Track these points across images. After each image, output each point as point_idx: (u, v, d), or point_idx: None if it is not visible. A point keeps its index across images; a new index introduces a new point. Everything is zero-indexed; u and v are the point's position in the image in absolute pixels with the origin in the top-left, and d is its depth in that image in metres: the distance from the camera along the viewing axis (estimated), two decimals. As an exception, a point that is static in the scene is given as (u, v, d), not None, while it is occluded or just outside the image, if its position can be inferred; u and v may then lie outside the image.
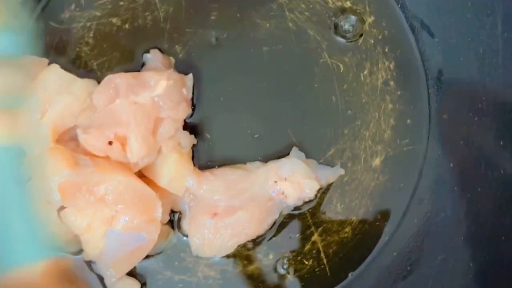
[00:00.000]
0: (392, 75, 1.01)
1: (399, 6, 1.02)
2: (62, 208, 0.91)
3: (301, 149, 1.00)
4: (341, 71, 1.01)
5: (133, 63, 0.99)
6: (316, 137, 1.01)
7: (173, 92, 0.95)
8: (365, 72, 1.01)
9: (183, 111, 0.96)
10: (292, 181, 0.95)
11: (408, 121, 1.01)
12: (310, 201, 0.99)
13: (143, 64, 1.00)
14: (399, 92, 1.01)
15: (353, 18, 1.01)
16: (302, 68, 1.02)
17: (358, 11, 1.02)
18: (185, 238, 0.99)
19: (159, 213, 0.92)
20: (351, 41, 1.02)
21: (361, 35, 1.02)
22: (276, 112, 1.01)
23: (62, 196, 0.87)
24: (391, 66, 1.01)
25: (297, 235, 1.00)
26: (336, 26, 1.02)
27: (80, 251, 0.96)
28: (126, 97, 0.93)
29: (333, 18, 1.02)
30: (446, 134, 1.00)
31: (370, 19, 1.02)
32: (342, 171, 0.99)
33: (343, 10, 1.02)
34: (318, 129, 1.01)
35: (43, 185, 0.89)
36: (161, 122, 0.95)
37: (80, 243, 0.94)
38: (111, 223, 0.91)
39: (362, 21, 1.01)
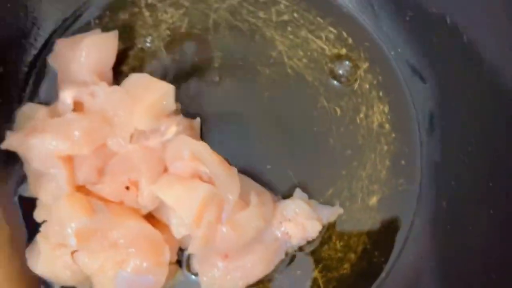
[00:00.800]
0: (386, 118, 1.06)
1: (392, 53, 1.08)
2: (75, 250, 0.95)
3: (301, 189, 1.04)
4: (338, 114, 1.06)
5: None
6: (315, 178, 1.06)
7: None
8: (361, 115, 1.06)
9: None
10: (296, 222, 0.99)
11: (403, 162, 1.06)
12: (313, 240, 1.03)
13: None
14: (393, 135, 1.06)
15: (348, 64, 1.07)
16: (301, 112, 1.07)
17: (353, 57, 1.07)
18: (193, 277, 1.02)
19: (167, 257, 0.96)
20: (347, 86, 1.06)
21: (356, 80, 1.07)
22: (276, 154, 1.06)
23: (78, 241, 0.91)
24: (386, 109, 1.06)
25: (298, 271, 1.03)
26: (333, 72, 1.06)
27: (92, 291, 0.99)
28: (137, 141, 0.97)
29: (330, 65, 1.07)
30: (439, 175, 1.04)
31: (365, 65, 1.07)
32: (341, 211, 1.04)
33: (339, 57, 1.07)
34: (317, 170, 1.06)
35: (59, 229, 0.92)
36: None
37: (91, 284, 0.98)
38: (121, 265, 0.94)
39: (357, 67, 1.07)
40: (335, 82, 1.07)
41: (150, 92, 0.99)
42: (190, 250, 0.95)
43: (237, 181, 0.97)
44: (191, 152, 0.95)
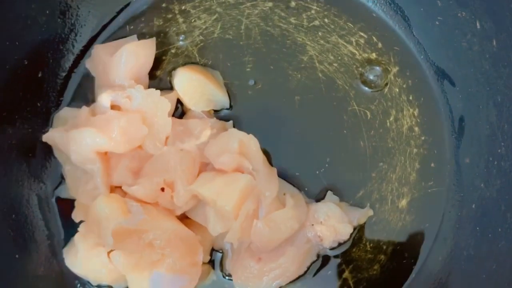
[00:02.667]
0: (416, 121, 1.08)
1: (421, 57, 1.09)
2: (111, 250, 0.98)
3: (331, 191, 1.06)
4: (368, 118, 1.08)
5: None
6: (346, 180, 1.08)
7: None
8: (391, 118, 1.08)
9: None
10: (328, 224, 1.01)
11: (432, 164, 1.08)
12: (344, 242, 1.05)
13: (182, 112, 1.06)
14: (423, 137, 1.08)
15: (378, 68, 1.08)
16: (332, 115, 1.09)
17: (383, 62, 1.08)
18: (226, 278, 1.04)
19: (201, 257, 0.99)
20: (377, 90, 1.08)
21: (387, 84, 1.08)
22: (308, 157, 1.08)
23: (115, 241, 0.93)
24: (415, 113, 1.08)
25: (329, 272, 1.05)
26: (363, 76, 1.08)
27: (126, 289, 1.01)
28: (173, 143, 0.99)
29: (360, 69, 1.09)
30: (468, 177, 1.06)
31: (395, 69, 1.09)
32: (371, 212, 1.06)
33: (370, 61, 1.09)
34: (347, 173, 1.08)
35: (97, 229, 0.95)
36: (205, 167, 1.01)
37: (126, 282, 1.00)
38: (156, 265, 0.97)
39: (387, 71, 1.08)
40: (365, 86, 1.08)
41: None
42: (227, 239, 0.97)
43: (276, 180, 1.00)
44: (240, 144, 0.98)
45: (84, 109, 1.00)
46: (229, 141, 0.99)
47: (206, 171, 1.00)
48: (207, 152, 0.98)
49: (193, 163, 0.98)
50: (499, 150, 0.98)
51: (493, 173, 1.00)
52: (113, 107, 1.00)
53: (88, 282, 1.03)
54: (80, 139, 0.95)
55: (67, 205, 1.05)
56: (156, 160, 0.98)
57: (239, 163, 0.97)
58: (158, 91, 0.98)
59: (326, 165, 1.07)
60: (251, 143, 0.99)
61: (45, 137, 0.99)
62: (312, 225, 1.01)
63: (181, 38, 1.09)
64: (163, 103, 0.98)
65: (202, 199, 0.97)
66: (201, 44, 1.09)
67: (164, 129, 0.98)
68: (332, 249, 1.04)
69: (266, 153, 1.05)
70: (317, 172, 1.07)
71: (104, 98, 0.99)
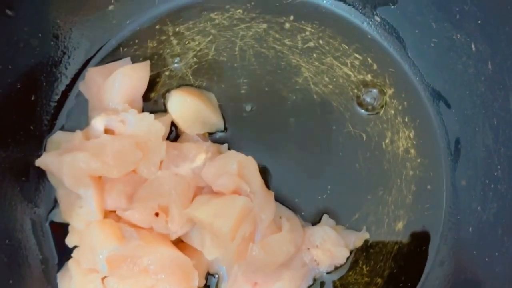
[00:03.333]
0: (412, 143, 1.07)
1: (417, 78, 1.09)
2: (105, 275, 0.96)
3: (327, 214, 1.05)
4: (364, 140, 1.07)
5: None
6: (341, 203, 1.07)
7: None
8: (387, 140, 1.07)
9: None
10: (324, 248, 1.01)
11: (428, 186, 1.07)
12: (341, 266, 1.04)
13: (176, 135, 1.05)
14: (419, 160, 1.07)
15: (374, 90, 1.08)
16: (327, 137, 1.08)
17: (378, 83, 1.08)
18: (223, 301, 1.03)
19: (196, 282, 0.98)
20: (372, 112, 1.07)
21: (382, 106, 1.07)
22: (303, 180, 1.08)
23: (109, 267, 0.93)
24: (411, 135, 1.07)
25: (326, 296, 1.04)
26: (358, 98, 1.08)
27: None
28: (167, 168, 0.98)
29: (355, 91, 1.08)
30: (465, 200, 1.05)
31: (390, 91, 1.08)
32: (367, 235, 1.05)
33: (365, 83, 1.08)
34: (343, 195, 1.07)
35: (91, 255, 0.94)
36: (201, 191, 1.00)
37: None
38: (150, 291, 0.95)
39: (382, 92, 1.08)
40: (360, 108, 1.07)
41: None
42: (223, 262, 0.98)
43: (273, 203, 1.00)
44: (238, 166, 0.98)
45: (78, 133, 1.00)
46: (227, 162, 0.98)
47: (201, 195, 0.99)
48: (204, 174, 0.97)
49: (187, 188, 0.98)
50: (495, 173, 0.98)
51: (490, 196, 0.99)
52: (106, 131, 1.00)
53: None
54: (74, 163, 0.95)
55: (61, 230, 1.04)
56: (151, 184, 0.97)
57: (237, 185, 0.97)
58: (152, 115, 0.97)
59: (322, 188, 1.07)
60: (250, 165, 1.00)
61: (38, 162, 0.98)
62: (308, 249, 1.00)
63: (175, 60, 1.08)
64: (157, 127, 0.98)
65: (198, 223, 0.96)
66: (195, 66, 1.08)
67: (158, 153, 0.97)
68: (328, 273, 1.03)
69: (262, 176, 1.03)
70: (313, 195, 1.06)
71: (97, 122, 0.98)
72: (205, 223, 0.95)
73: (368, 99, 1.07)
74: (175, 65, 1.08)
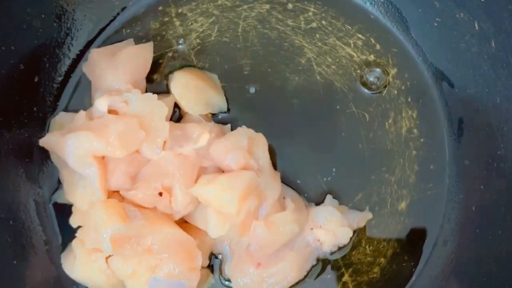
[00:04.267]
0: (415, 123, 1.07)
1: (420, 58, 1.08)
2: (109, 255, 0.97)
3: (330, 194, 1.06)
4: (367, 120, 1.07)
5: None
6: (344, 183, 1.07)
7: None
8: (390, 121, 1.07)
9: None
10: (327, 228, 1.01)
11: (431, 166, 1.07)
12: (344, 246, 1.04)
13: (180, 116, 1.05)
14: (422, 139, 1.07)
15: (377, 70, 1.08)
16: (330, 118, 1.08)
17: (381, 63, 1.08)
18: (226, 282, 1.04)
19: (200, 262, 0.98)
20: (375, 92, 1.07)
21: (385, 86, 1.07)
22: (306, 160, 1.07)
23: (113, 247, 0.93)
24: (414, 115, 1.07)
25: (329, 276, 1.05)
26: (361, 78, 1.07)
27: (125, 295, 1.01)
28: (171, 148, 0.98)
29: (358, 71, 1.08)
30: (468, 179, 1.05)
31: (393, 71, 1.08)
32: (370, 215, 1.05)
33: (368, 63, 1.08)
34: (346, 176, 1.07)
35: (95, 235, 0.94)
36: (204, 171, 1.00)
37: (125, 287, 0.99)
38: (154, 270, 0.96)
39: (386, 73, 1.08)
40: (363, 88, 1.07)
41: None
42: (228, 236, 0.98)
43: (279, 183, 1.01)
44: (249, 142, 0.99)
45: (81, 113, 1.00)
46: (238, 138, 0.99)
47: (206, 174, 0.99)
48: (213, 151, 0.98)
49: (191, 168, 0.98)
50: (498, 152, 0.98)
51: (493, 175, 0.99)
52: (110, 111, 0.99)
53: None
54: (77, 143, 0.95)
55: (64, 210, 1.04)
56: (154, 164, 0.97)
57: (247, 161, 0.98)
58: (155, 95, 0.97)
59: (325, 169, 1.07)
60: (260, 141, 1.01)
61: (42, 142, 0.99)
62: (312, 229, 1.00)
63: (178, 41, 1.07)
64: (160, 107, 0.97)
65: (203, 201, 0.97)
66: (198, 47, 1.08)
67: (162, 134, 0.97)
68: (331, 253, 1.03)
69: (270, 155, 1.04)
70: (316, 175, 1.06)
71: (101, 103, 0.98)
72: (211, 199, 0.95)
73: (371, 79, 1.06)
74: (178, 46, 1.08)
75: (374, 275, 1.04)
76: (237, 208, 0.94)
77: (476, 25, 0.97)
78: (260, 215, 0.97)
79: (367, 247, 1.05)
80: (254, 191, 0.96)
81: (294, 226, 0.97)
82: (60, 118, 1.04)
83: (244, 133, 1.00)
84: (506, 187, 0.97)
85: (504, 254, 0.95)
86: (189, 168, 0.97)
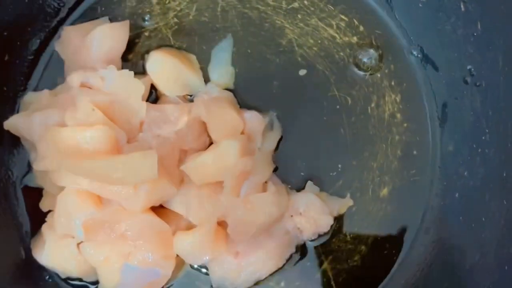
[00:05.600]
0: (398, 107, 1.05)
1: (404, 40, 1.06)
2: (81, 241, 0.94)
3: (310, 180, 1.03)
4: (349, 104, 1.04)
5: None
6: (325, 169, 1.05)
7: (194, 125, 0.98)
8: (372, 105, 1.05)
9: (205, 142, 1.00)
10: (307, 216, 0.98)
11: (415, 152, 1.05)
12: (325, 234, 1.02)
13: (156, 98, 1.02)
14: (405, 124, 1.04)
15: (360, 52, 1.04)
16: (311, 101, 1.06)
17: (364, 46, 1.04)
18: (203, 269, 1.02)
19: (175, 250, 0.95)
20: (358, 75, 1.04)
21: (368, 69, 1.04)
22: (285, 144, 1.05)
23: (85, 233, 0.90)
24: (397, 99, 1.05)
25: (308, 263, 1.02)
26: (343, 61, 1.04)
27: (96, 282, 0.99)
28: (149, 130, 0.95)
29: (341, 53, 1.05)
30: (451, 165, 1.03)
31: (376, 54, 1.05)
32: (351, 202, 1.03)
33: (350, 45, 1.05)
34: (327, 161, 1.05)
35: (66, 220, 0.91)
36: (185, 154, 0.98)
37: (96, 275, 0.97)
38: (127, 257, 0.94)
39: (368, 55, 1.04)
40: (345, 70, 1.04)
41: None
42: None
43: (270, 166, 1.00)
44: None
45: (45, 91, 0.98)
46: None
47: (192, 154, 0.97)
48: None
49: (172, 150, 0.94)
50: (483, 137, 0.96)
51: (477, 161, 0.97)
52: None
53: (57, 274, 0.98)
54: (44, 122, 0.92)
55: (35, 194, 1.01)
56: (132, 148, 0.93)
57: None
58: (132, 72, 0.95)
59: (306, 153, 1.04)
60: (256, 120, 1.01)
61: (7, 124, 0.95)
62: (292, 216, 0.98)
63: (155, 20, 1.04)
64: (137, 86, 0.94)
65: (196, 174, 0.95)
66: (176, 26, 1.05)
67: (138, 113, 0.93)
68: (311, 240, 1.00)
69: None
70: (296, 160, 1.04)
71: (74, 78, 0.95)
72: (209, 163, 0.94)
73: (352, 61, 1.03)
74: (155, 25, 1.04)
75: (355, 263, 1.02)
76: (239, 156, 0.93)
77: (462, 6, 0.95)
78: (242, 192, 0.94)
79: (347, 234, 1.03)
80: (247, 152, 0.95)
81: (274, 209, 0.94)
82: (29, 98, 1.01)
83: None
84: (490, 173, 0.95)
85: (488, 242, 0.93)
86: (169, 149, 0.94)
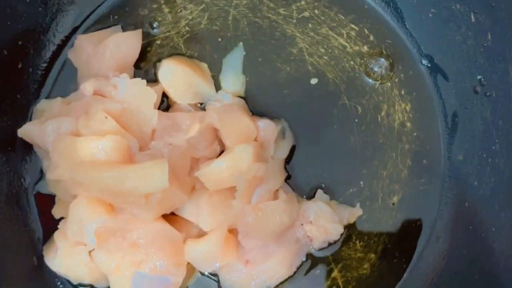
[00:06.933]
0: (408, 116, 1.05)
1: (414, 50, 1.06)
2: (93, 248, 0.94)
3: (321, 188, 1.04)
4: (359, 112, 1.05)
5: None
6: (335, 177, 1.05)
7: (205, 133, 0.98)
8: (382, 113, 1.05)
9: (216, 150, 1.00)
10: (317, 224, 0.99)
11: (424, 161, 1.05)
12: (334, 242, 1.02)
13: (168, 106, 1.02)
14: (415, 133, 1.05)
15: (370, 62, 1.04)
16: (322, 110, 1.06)
17: (375, 55, 1.05)
18: (212, 277, 1.02)
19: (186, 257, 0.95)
20: (368, 84, 1.04)
21: (378, 78, 1.04)
22: (297, 152, 1.05)
23: (97, 240, 0.91)
24: (408, 108, 1.05)
25: (318, 271, 1.02)
26: (353, 70, 1.05)
27: (108, 288, 0.98)
28: (161, 138, 0.96)
29: (351, 62, 1.05)
30: (461, 174, 1.03)
31: (386, 63, 1.05)
32: (360, 212, 1.04)
33: (361, 55, 1.05)
34: (337, 169, 1.05)
35: (78, 228, 0.91)
36: (196, 162, 0.98)
37: (108, 282, 0.98)
38: (139, 265, 0.94)
39: (379, 64, 1.04)
40: (356, 80, 1.04)
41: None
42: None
43: (282, 175, 1.01)
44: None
45: (58, 99, 0.99)
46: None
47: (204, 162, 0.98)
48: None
49: (183, 158, 0.95)
50: (493, 147, 0.96)
51: (487, 170, 0.97)
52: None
53: (68, 281, 0.98)
54: (57, 130, 0.93)
55: (47, 201, 1.02)
56: (144, 156, 0.94)
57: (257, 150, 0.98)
58: (144, 81, 0.95)
59: (316, 161, 1.04)
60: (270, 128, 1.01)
61: (21, 132, 0.95)
62: (302, 224, 0.98)
63: (166, 28, 1.04)
64: (149, 94, 0.95)
65: (210, 180, 0.95)
66: (188, 35, 1.05)
67: (150, 122, 0.94)
68: (321, 248, 1.01)
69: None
70: (307, 168, 1.04)
71: (87, 86, 0.96)
72: (222, 167, 0.94)
73: (363, 70, 1.03)
74: (167, 33, 1.04)
75: (364, 271, 1.02)
76: (253, 160, 0.93)
77: (472, 16, 0.95)
78: (252, 200, 0.95)
79: (357, 242, 1.03)
80: (259, 158, 0.96)
81: (285, 217, 0.94)
82: (42, 105, 1.01)
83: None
84: (500, 183, 0.96)
85: (497, 252, 0.93)
86: (181, 157, 0.95)
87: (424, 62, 1.05)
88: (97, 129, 0.91)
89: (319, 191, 1.02)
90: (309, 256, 1.03)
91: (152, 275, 0.93)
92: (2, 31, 0.97)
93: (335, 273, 1.02)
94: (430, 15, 1.02)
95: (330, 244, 1.02)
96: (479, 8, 0.94)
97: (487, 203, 0.97)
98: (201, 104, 1.03)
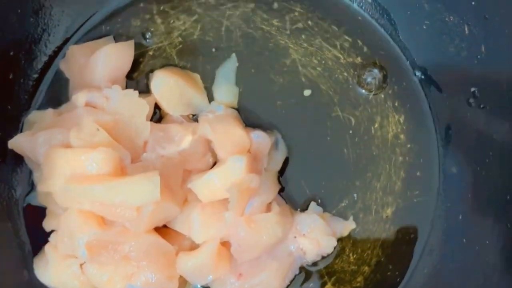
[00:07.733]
0: (402, 128, 1.04)
1: (408, 62, 1.06)
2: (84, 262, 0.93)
3: (314, 200, 1.03)
4: (353, 124, 1.04)
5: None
6: (328, 189, 1.05)
7: (198, 145, 0.98)
8: (376, 125, 1.04)
9: (209, 162, 0.99)
10: (310, 237, 0.98)
11: (418, 173, 1.04)
12: (328, 255, 1.02)
13: (160, 117, 1.02)
14: (409, 145, 1.04)
15: (364, 73, 1.04)
16: (315, 121, 1.05)
17: (369, 66, 1.04)
18: (204, 289, 1.00)
19: (178, 270, 0.95)
20: (361, 95, 1.04)
21: (371, 89, 1.04)
22: (289, 164, 1.05)
23: (89, 253, 0.90)
24: (401, 119, 1.04)
25: (311, 285, 1.02)
26: (347, 81, 1.04)
27: (100, 302, 0.97)
28: (153, 150, 0.95)
29: (344, 74, 1.05)
30: (455, 187, 1.02)
31: (380, 74, 1.05)
32: (354, 225, 1.03)
33: (354, 66, 1.05)
34: (330, 181, 1.05)
35: (69, 240, 0.91)
36: (189, 174, 0.97)
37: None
38: (130, 278, 0.93)
39: (373, 76, 1.04)
40: (349, 91, 1.04)
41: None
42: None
43: (276, 187, 1.00)
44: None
45: (49, 111, 0.98)
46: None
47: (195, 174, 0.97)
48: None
49: (176, 170, 0.94)
50: (487, 160, 0.96)
51: (481, 183, 0.97)
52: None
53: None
54: (48, 141, 0.93)
55: (38, 213, 1.01)
56: (136, 168, 0.93)
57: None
58: (136, 92, 0.95)
59: (309, 173, 1.04)
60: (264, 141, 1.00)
61: (11, 144, 0.94)
62: (295, 237, 0.97)
63: (159, 39, 1.04)
64: (141, 105, 0.94)
65: (202, 192, 0.95)
66: (180, 46, 1.05)
67: (142, 133, 0.93)
68: (314, 262, 1.00)
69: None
70: (300, 181, 1.04)
71: (79, 97, 0.95)
72: (214, 178, 0.94)
73: (357, 82, 1.03)
74: (159, 44, 1.04)
75: (358, 284, 1.02)
76: (246, 171, 0.93)
77: (466, 28, 0.95)
78: (247, 209, 0.94)
79: (350, 255, 1.02)
80: (252, 169, 0.95)
81: (278, 229, 0.94)
82: (33, 117, 1.00)
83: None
84: (494, 196, 0.95)
85: (491, 265, 0.93)
86: (173, 169, 0.94)
87: (418, 73, 1.04)
88: (89, 141, 0.90)
89: (312, 204, 1.01)
90: (302, 269, 1.02)
91: (144, 288, 0.90)
92: (-7, 41, 0.94)
93: (328, 286, 1.02)
94: (424, 27, 1.01)
95: (323, 257, 1.02)
96: (473, 20, 0.94)
97: (481, 216, 0.97)
98: (194, 115, 1.02)
